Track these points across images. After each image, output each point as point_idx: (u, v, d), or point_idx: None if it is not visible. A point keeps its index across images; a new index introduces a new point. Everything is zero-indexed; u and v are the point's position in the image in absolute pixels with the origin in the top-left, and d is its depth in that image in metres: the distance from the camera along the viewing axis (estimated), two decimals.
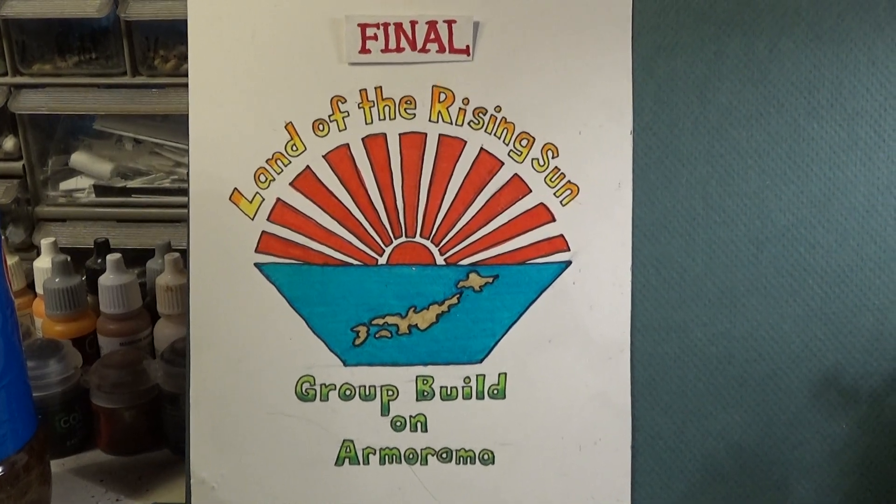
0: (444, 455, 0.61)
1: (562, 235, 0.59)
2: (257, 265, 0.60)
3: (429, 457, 0.61)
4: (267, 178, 0.59)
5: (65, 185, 0.95)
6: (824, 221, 0.58)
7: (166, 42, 0.89)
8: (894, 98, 0.56)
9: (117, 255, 0.77)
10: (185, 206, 0.60)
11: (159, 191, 0.93)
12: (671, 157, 0.58)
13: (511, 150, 0.59)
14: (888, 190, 0.57)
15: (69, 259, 0.78)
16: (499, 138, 0.58)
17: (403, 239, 0.59)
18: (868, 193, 0.57)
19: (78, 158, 0.94)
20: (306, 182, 0.59)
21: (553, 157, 0.59)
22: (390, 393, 0.60)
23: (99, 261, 0.84)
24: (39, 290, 0.81)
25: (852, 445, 0.59)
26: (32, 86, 0.91)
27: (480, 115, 0.58)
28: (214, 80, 0.59)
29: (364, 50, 0.58)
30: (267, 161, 0.59)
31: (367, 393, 0.60)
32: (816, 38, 0.57)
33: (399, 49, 0.58)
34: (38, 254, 0.85)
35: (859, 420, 0.59)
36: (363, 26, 0.58)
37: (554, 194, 0.59)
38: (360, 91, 0.59)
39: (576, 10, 0.58)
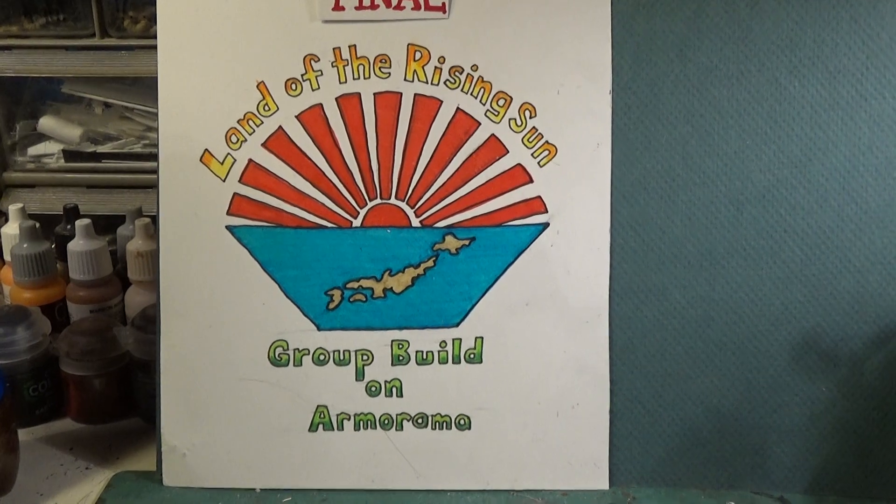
0: (419, 420, 0.60)
1: (539, 197, 0.58)
2: (229, 228, 0.59)
3: (404, 422, 0.60)
4: (238, 139, 0.58)
5: (33, 150, 0.93)
6: (805, 182, 0.57)
7: (136, 3, 0.87)
8: (876, 56, 0.56)
9: (87, 221, 0.76)
10: (156, 171, 0.59)
11: (130, 156, 0.91)
12: (651, 117, 0.57)
13: (488, 110, 0.57)
14: (869, 150, 0.56)
15: (38, 225, 0.77)
16: (475, 98, 0.57)
17: (378, 201, 0.58)
18: (849, 154, 0.57)
19: (46, 123, 0.92)
20: (279, 142, 0.58)
21: (531, 117, 0.57)
22: (365, 358, 0.59)
23: (68, 227, 0.82)
24: (7, 256, 0.80)
25: (832, 409, 0.59)
26: None
27: (457, 73, 0.57)
28: (184, 40, 0.58)
29: (337, 7, 0.57)
30: (238, 121, 0.58)
31: (342, 358, 0.59)
32: None
33: (374, 6, 0.57)
34: (6, 220, 0.84)
35: (839, 383, 0.58)
36: None
37: (531, 155, 0.58)
38: (334, 49, 0.57)
39: None
